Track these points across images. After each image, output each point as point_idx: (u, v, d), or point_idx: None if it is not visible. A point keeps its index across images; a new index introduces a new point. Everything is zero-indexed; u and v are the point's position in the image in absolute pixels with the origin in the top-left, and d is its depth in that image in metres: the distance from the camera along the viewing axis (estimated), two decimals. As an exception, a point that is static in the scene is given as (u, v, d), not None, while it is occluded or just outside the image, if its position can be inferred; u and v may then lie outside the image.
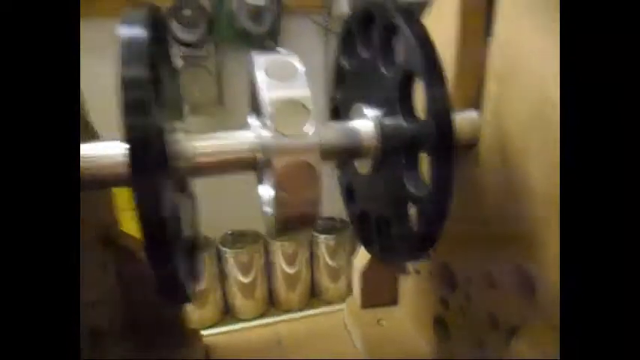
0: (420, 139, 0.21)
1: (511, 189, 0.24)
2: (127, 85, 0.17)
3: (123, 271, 0.35)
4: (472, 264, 0.29)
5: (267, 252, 0.50)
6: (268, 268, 0.51)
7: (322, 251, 0.51)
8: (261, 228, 0.52)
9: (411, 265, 0.40)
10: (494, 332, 0.27)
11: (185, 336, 0.39)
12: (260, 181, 0.24)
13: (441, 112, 0.20)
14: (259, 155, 0.22)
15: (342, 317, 0.45)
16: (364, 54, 0.26)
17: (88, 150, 0.21)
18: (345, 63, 0.29)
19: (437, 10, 0.29)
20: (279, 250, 0.49)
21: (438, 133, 0.20)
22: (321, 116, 0.25)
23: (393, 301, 0.44)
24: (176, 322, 0.38)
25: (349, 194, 0.31)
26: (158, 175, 0.18)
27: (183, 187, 0.24)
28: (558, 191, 0.22)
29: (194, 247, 0.27)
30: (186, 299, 0.22)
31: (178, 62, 0.73)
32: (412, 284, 0.41)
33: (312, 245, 0.51)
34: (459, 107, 0.28)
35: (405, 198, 0.23)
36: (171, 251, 0.20)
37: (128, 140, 0.17)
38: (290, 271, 0.51)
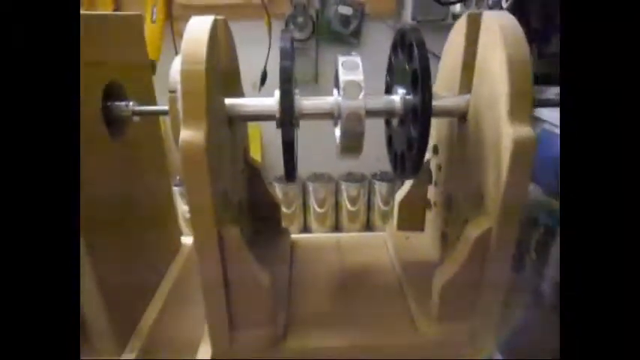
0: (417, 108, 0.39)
1: (481, 140, 0.40)
2: (283, 70, 0.37)
3: (250, 180, 0.55)
4: (459, 189, 0.46)
5: (337, 192, 0.69)
6: (337, 205, 0.70)
7: (377, 196, 0.68)
8: (335, 173, 0.71)
9: (431, 199, 0.56)
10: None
11: (281, 230, 0.60)
12: (335, 125, 0.43)
13: (425, 96, 0.37)
14: (336, 109, 0.41)
15: (384, 237, 0.63)
16: (400, 56, 0.43)
17: (249, 101, 0.42)
18: (392, 60, 0.47)
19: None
20: (345, 192, 0.68)
21: (421, 107, 0.37)
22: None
23: (421, 228, 0.61)
24: (277, 221, 0.59)
25: (389, 141, 0.49)
26: (290, 115, 0.38)
27: (296, 125, 0.44)
28: (501, 139, 0.35)
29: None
30: (294, 180, 0.42)
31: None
32: (430, 214, 0.57)
33: (369, 190, 0.69)
34: (462, 92, 0.44)
35: (410, 141, 0.41)
36: (292, 154, 0.40)
37: (282, 93, 0.37)
38: (352, 209, 0.69)
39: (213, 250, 0.36)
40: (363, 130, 0.39)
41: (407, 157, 0.41)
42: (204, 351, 0.42)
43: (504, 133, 0.34)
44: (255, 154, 0.58)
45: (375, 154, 0.75)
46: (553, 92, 0.58)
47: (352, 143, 0.40)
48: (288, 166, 0.40)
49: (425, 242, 0.58)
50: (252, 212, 0.55)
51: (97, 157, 0.39)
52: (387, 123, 0.49)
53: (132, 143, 0.46)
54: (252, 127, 0.55)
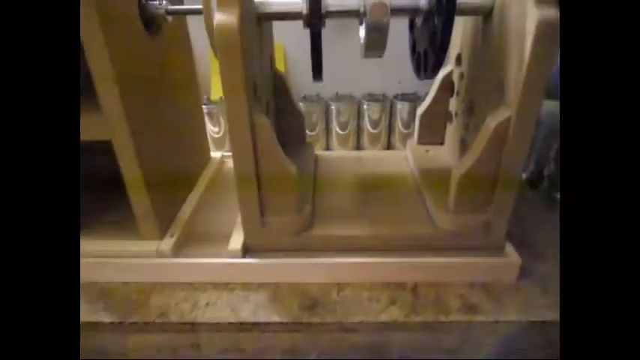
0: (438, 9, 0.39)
1: (505, 33, 0.40)
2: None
3: (276, 89, 0.57)
4: (481, 91, 0.47)
5: (358, 114, 0.70)
6: (358, 128, 0.72)
7: (398, 119, 0.70)
8: (357, 94, 0.73)
9: (452, 110, 0.57)
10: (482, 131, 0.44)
11: (305, 144, 0.63)
12: (360, 24, 0.44)
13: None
14: (362, 5, 0.41)
15: (404, 153, 0.65)
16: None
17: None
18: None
19: None
20: (367, 113, 0.70)
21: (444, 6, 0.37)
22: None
23: (441, 142, 0.62)
24: (302, 133, 0.62)
25: (413, 43, 0.49)
26: (317, 11, 0.39)
27: (323, 23, 0.45)
28: (525, 25, 0.36)
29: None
30: (321, 79, 0.44)
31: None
32: (450, 127, 0.59)
33: (391, 112, 0.71)
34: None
35: (434, 36, 0.41)
36: (319, 48, 0.41)
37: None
38: (374, 131, 0.71)
39: (246, 134, 0.39)
40: (388, 23, 0.40)
41: (430, 53, 0.42)
42: (237, 237, 0.46)
43: (529, 15, 0.34)
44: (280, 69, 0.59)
45: (397, 76, 0.76)
46: None
47: (376, 38, 0.41)
48: (316, 63, 0.42)
49: (444, 154, 0.59)
50: (278, 123, 0.58)
51: (135, 50, 0.41)
52: (411, 28, 0.49)
53: (166, 43, 0.48)
54: (276, 43, 0.57)
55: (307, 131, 0.72)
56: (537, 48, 0.34)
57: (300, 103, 0.68)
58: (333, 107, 0.70)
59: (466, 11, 0.43)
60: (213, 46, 0.39)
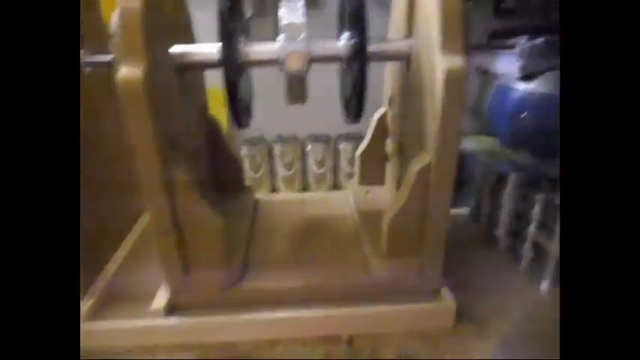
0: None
1: (422, 80, 0.41)
2: (221, 12, 0.37)
3: (211, 138, 0.56)
4: (409, 135, 0.47)
5: (303, 155, 0.70)
6: (304, 168, 0.72)
7: (343, 158, 0.70)
8: (300, 134, 0.72)
9: (388, 151, 0.57)
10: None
11: (245, 188, 0.61)
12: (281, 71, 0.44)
13: (362, 38, 0.38)
14: (281, 57, 0.41)
15: (347, 194, 0.65)
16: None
17: (193, 48, 0.42)
18: (340, 5, 0.47)
19: None
20: (311, 153, 0.70)
21: (359, 49, 0.38)
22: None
23: (382, 182, 0.62)
24: (240, 178, 0.60)
25: (341, 87, 0.49)
26: (233, 61, 0.38)
27: (243, 72, 0.44)
28: (435, 73, 0.36)
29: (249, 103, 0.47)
30: (246, 126, 0.43)
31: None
32: (388, 167, 0.59)
33: (335, 152, 0.71)
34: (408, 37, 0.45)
35: (354, 84, 0.42)
36: (238, 96, 0.41)
37: (222, 36, 0.37)
38: (319, 171, 0.71)
39: (159, 190, 0.37)
40: (306, 72, 0.40)
41: (352, 101, 0.42)
42: (161, 296, 0.43)
43: (437, 65, 0.35)
44: (221, 118, 0.58)
45: (341, 116, 0.77)
46: (508, 41, 0.60)
47: (296, 87, 0.41)
48: (234, 110, 0.41)
49: (384, 195, 0.59)
50: (214, 169, 0.56)
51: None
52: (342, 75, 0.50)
53: (89, 99, 0.46)
54: (215, 91, 0.56)
55: (253, 173, 0.71)
56: (446, 96, 0.35)
57: (244, 146, 0.67)
58: (276, 149, 0.69)
59: (385, 57, 0.44)
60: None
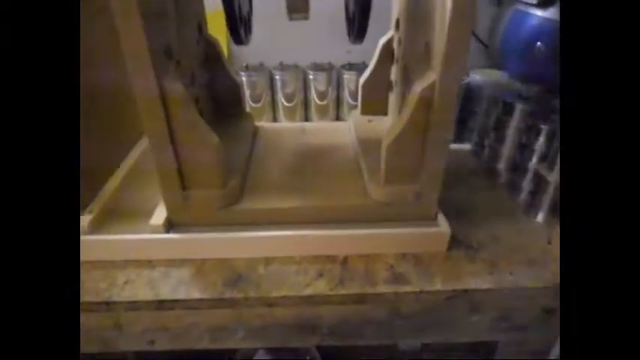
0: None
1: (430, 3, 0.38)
2: None
3: (209, 58, 0.54)
4: (413, 56, 0.45)
5: (305, 86, 0.68)
6: (305, 100, 0.70)
7: (346, 90, 0.68)
8: (303, 63, 0.70)
9: (393, 79, 0.55)
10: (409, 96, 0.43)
11: (244, 115, 0.60)
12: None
13: None
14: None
15: (349, 124, 0.64)
16: None
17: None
18: None
19: None
20: (313, 85, 0.67)
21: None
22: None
23: (384, 112, 0.61)
24: (239, 104, 0.59)
25: (346, 6, 0.47)
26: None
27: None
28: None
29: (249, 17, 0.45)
30: (245, 42, 0.41)
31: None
32: (392, 96, 0.57)
33: (338, 83, 0.69)
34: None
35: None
36: (235, 5, 0.38)
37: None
38: (321, 103, 0.69)
39: (156, 103, 0.36)
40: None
41: (356, 17, 0.40)
42: (160, 212, 0.44)
43: (448, -28, 0.32)
44: (222, 41, 0.56)
45: (345, 46, 0.74)
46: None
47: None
48: (232, 21, 0.39)
49: (386, 124, 0.58)
50: (212, 93, 0.55)
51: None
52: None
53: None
54: (218, 14, 0.53)
55: (252, 103, 0.70)
56: (456, 5, 0.32)
57: (243, 73, 0.65)
58: (277, 78, 0.67)
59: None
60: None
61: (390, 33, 0.54)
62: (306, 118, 0.73)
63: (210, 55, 0.53)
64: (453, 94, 0.37)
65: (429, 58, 0.39)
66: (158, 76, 0.35)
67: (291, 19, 0.41)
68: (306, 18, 0.41)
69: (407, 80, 0.48)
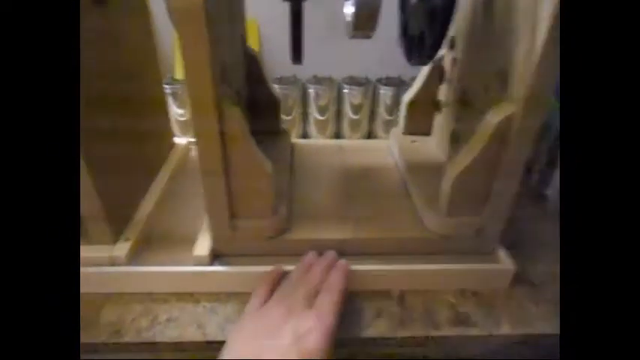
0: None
1: (513, 10, 0.36)
2: None
3: (249, 71, 0.51)
4: (477, 80, 0.42)
5: (339, 98, 0.65)
6: (339, 113, 0.67)
7: (382, 104, 0.65)
8: (336, 75, 0.67)
9: (442, 99, 0.53)
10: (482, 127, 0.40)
11: (281, 131, 0.57)
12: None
13: None
14: (349, -23, 0.36)
15: (387, 143, 0.61)
16: None
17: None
18: None
19: None
20: (347, 98, 0.64)
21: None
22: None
23: (428, 133, 0.58)
24: (277, 120, 0.56)
25: (404, 24, 0.44)
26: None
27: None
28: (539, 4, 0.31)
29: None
30: (300, 61, 0.38)
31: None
32: (439, 116, 0.54)
33: (373, 98, 0.66)
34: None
35: (432, 17, 0.36)
36: (300, 25, 0.35)
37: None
38: (355, 117, 0.66)
39: (213, 127, 0.33)
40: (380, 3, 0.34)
41: (427, 35, 0.37)
42: (204, 241, 0.41)
43: (545, -3, 0.30)
44: (253, 47, 0.53)
45: (379, 56, 0.71)
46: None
47: (367, 15, 0.36)
48: (296, 43, 0.36)
49: (432, 146, 0.55)
50: (251, 108, 0.52)
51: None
52: (403, 6, 0.44)
53: (117, 13, 0.41)
54: (248, 18, 0.50)
55: (283, 116, 0.66)
56: (551, 37, 0.30)
57: (275, 86, 0.62)
58: (311, 90, 0.64)
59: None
60: (172, 19, 0.32)
61: (442, 51, 0.51)
62: (338, 132, 0.70)
63: (252, 69, 0.50)
64: (535, 128, 0.34)
65: (505, 84, 0.36)
66: (216, 97, 0.32)
67: (352, 37, 0.38)
68: (368, 37, 0.38)
69: (466, 104, 0.45)
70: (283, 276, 0.38)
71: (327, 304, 0.33)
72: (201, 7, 0.28)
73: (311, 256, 0.40)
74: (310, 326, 0.31)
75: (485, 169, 0.37)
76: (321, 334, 0.31)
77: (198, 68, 0.30)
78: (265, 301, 0.35)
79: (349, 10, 0.38)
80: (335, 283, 0.36)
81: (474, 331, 0.37)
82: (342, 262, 0.39)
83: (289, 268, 0.39)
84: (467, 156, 0.37)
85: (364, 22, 0.36)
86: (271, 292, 0.36)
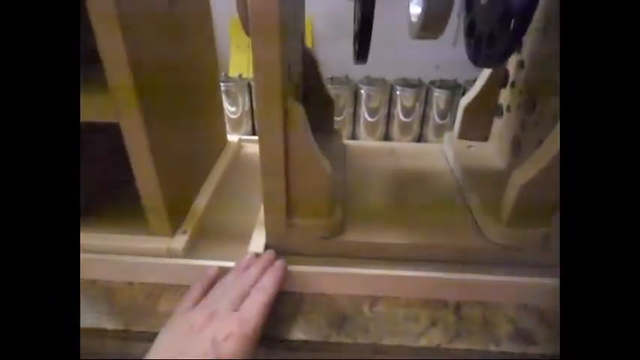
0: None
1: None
2: None
3: (306, 69, 0.51)
4: (548, 85, 0.40)
5: (390, 100, 0.64)
6: (390, 115, 0.66)
7: (434, 107, 0.63)
8: (389, 76, 0.66)
9: (504, 103, 0.50)
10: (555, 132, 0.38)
11: (333, 131, 0.57)
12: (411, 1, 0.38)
13: None
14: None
15: (441, 147, 0.59)
16: None
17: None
18: None
19: None
20: (399, 100, 0.64)
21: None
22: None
23: (484, 138, 0.56)
24: (330, 119, 0.56)
25: (471, 22, 0.42)
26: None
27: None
28: None
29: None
30: (365, 60, 0.37)
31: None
32: (499, 122, 0.52)
33: (426, 100, 0.64)
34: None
35: (506, 15, 0.35)
36: (370, 26, 0.35)
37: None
38: (406, 120, 0.65)
39: (278, 124, 0.33)
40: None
41: (499, 34, 0.36)
42: (259, 237, 0.41)
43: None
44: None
45: (434, 59, 0.69)
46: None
47: (438, 15, 0.35)
48: (363, 42, 0.36)
49: (489, 152, 0.53)
50: (306, 107, 0.52)
51: (149, 22, 0.35)
52: (469, 4, 0.42)
53: (183, 12, 0.42)
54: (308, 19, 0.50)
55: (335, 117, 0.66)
56: None
57: (329, 86, 0.62)
58: (363, 91, 0.64)
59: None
60: (241, 17, 0.33)
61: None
62: (387, 134, 0.69)
63: (309, 68, 0.50)
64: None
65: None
66: (283, 92, 0.32)
67: (417, 37, 0.37)
68: (435, 37, 0.37)
69: (533, 110, 0.43)
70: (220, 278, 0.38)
71: (253, 306, 0.33)
72: (276, 10, 0.28)
73: (248, 257, 0.39)
74: (230, 332, 0.31)
75: (554, 179, 0.35)
76: (239, 339, 0.30)
77: (269, 67, 0.30)
78: (197, 303, 0.34)
79: (415, 9, 0.37)
80: (266, 284, 0.35)
81: (535, 349, 0.35)
82: (280, 262, 0.38)
83: (348, 270, 0.39)
84: (535, 164, 0.35)
85: (433, 23, 0.35)
86: (205, 293, 0.35)
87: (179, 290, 0.40)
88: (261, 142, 0.34)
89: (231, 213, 0.47)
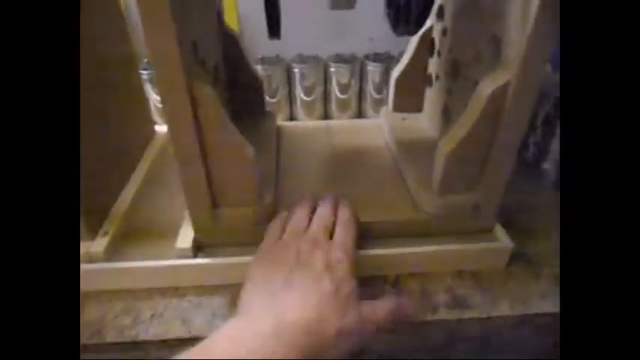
0: None
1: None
2: None
3: (227, 51, 0.48)
4: (469, 49, 0.40)
5: (325, 78, 0.63)
6: (326, 93, 0.64)
7: (370, 83, 0.62)
8: (322, 53, 0.64)
9: (432, 72, 0.50)
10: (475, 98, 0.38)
11: (265, 113, 0.54)
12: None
13: None
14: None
15: (378, 122, 0.59)
16: None
17: None
18: None
19: None
20: (334, 77, 0.62)
21: None
22: None
23: (418, 109, 0.56)
24: (260, 101, 0.53)
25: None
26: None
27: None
28: None
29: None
30: (278, 36, 0.35)
31: None
32: (430, 91, 0.52)
33: (361, 76, 0.63)
34: None
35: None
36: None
37: None
38: (342, 96, 0.64)
39: (185, 110, 0.31)
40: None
41: (413, 2, 0.35)
42: (186, 232, 0.38)
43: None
44: (232, 26, 0.50)
45: (367, 33, 0.68)
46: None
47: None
48: (272, 15, 0.34)
49: (423, 122, 0.53)
50: (231, 90, 0.49)
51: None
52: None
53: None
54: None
55: (268, 98, 0.64)
56: (548, -5, 0.27)
57: (258, 66, 0.59)
58: (296, 70, 0.62)
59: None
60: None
61: (429, 22, 0.48)
62: (326, 113, 0.67)
63: (230, 48, 0.47)
64: (532, 97, 0.32)
65: (498, 51, 0.34)
66: (187, 78, 0.30)
67: (333, 7, 0.36)
68: (351, 7, 0.35)
69: (457, 76, 0.43)
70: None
71: (348, 239, 0.34)
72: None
73: (307, 198, 0.39)
74: (339, 257, 0.32)
75: (480, 144, 0.35)
76: (349, 265, 0.31)
77: (166, 53, 0.28)
78: (280, 238, 0.35)
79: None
80: (347, 218, 0.36)
81: (471, 314, 0.36)
82: (345, 200, 0.39)
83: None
84: (459, 131, 0.35)
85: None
86: (283, 230, 0.36)
87: (103, 296, 0.37)
88: (170, 133, 0.32)
89: (158, 209, 0.44)
